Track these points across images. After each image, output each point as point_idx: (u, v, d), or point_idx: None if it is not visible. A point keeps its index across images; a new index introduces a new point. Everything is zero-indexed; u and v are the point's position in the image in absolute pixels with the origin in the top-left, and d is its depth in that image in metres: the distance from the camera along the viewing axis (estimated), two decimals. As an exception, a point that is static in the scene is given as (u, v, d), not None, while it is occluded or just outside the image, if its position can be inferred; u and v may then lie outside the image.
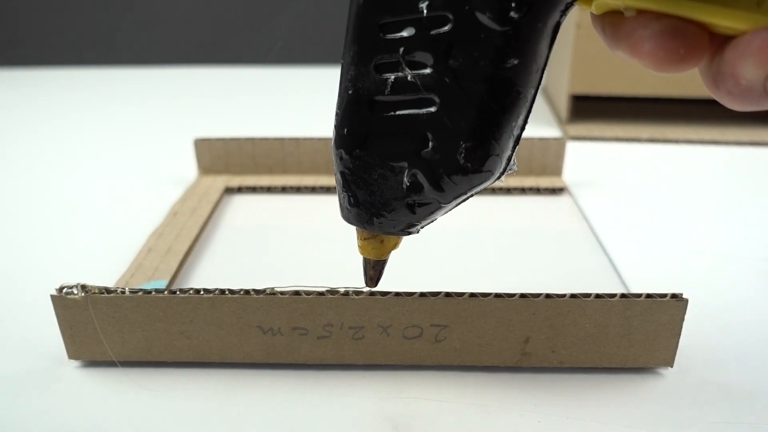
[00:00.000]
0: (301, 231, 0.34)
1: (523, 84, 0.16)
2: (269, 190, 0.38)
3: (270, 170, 0.39)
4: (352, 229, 0.35)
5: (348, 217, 0.20)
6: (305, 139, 0.38)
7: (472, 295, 0.21)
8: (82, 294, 0.21)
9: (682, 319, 0.21)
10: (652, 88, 0.49)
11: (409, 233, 0.20)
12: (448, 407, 0.21)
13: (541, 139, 0.38)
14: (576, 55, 0.48)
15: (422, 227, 0.20)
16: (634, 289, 0.27)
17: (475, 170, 0.17)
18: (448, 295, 0.21)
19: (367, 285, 0.22)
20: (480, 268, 0.30)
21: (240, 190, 0.38)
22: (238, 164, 0.39)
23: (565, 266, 0.30)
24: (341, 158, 0.19)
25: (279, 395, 0.22)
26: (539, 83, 0.17)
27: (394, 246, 0.22)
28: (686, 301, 0.21)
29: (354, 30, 0.17)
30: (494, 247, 0.32)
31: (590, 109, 0.54)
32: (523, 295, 0.21)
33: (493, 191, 0.37)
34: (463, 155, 0.17)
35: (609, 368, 0.23)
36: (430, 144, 0.17)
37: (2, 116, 0.57)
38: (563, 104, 0.51)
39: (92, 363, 0.23)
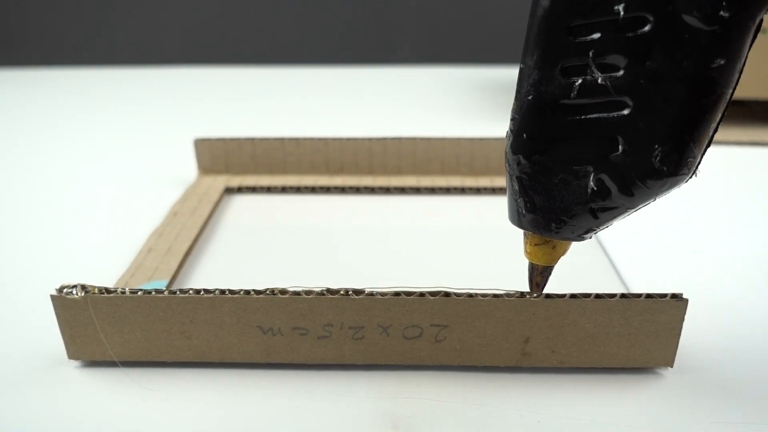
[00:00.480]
0: (301, 231, 0.34)
1: (726, 84, 0.16)
2: (269, 190, 0.38)
3: (270, 170, 0.39)
4: (352, 229, 0.35)
5: (521, 223, 0.20)
6: (305, 139, 0.38)
7: (472, 295, 0.21)
8: (82, 294, 0.21)
9: (682, 319, 0.21)
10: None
11: (583, 239, 0.20)
12: (448, 407, 0.21)
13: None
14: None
15: (597, 232, 0.20)
16: (634, 289, 0.27)
17: (671, 173, 0.17)
18: (447, 295, 0.21)
19: (533, 291, 0.22)
20: (480, 268, 0.30)
21: (240, 190, 0.38)
22: (238, 164, 0.39)
23: (565, 266, 0.30)
24: (519, 163, 0.19)
25: (279, 395, 0.22)
26: (737, 82, 0.16)
27: (564, 252, 0.21)
28: (686, 301, 0.21)
29: (539, 33, 0.17)
30: (494, 247, 0.32)
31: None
32: (522, 295, 0.21)
33: (494, 191, 0.37)
34: (658, 158, 0.16)
35: (609, 368, 0.23)
36: (620, 147, 0.17)
37: (2, 116, 0.57)
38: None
39: (92, 363, 0.23)
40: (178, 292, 0.21)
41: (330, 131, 0.41)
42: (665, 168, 0.16)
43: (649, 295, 0.21)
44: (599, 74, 0.16)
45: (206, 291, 0.21)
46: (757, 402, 0.21)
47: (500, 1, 0.98)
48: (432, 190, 0.38)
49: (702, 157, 0.17)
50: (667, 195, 0.18)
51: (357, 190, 0.38)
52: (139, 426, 0.21)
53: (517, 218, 0.20)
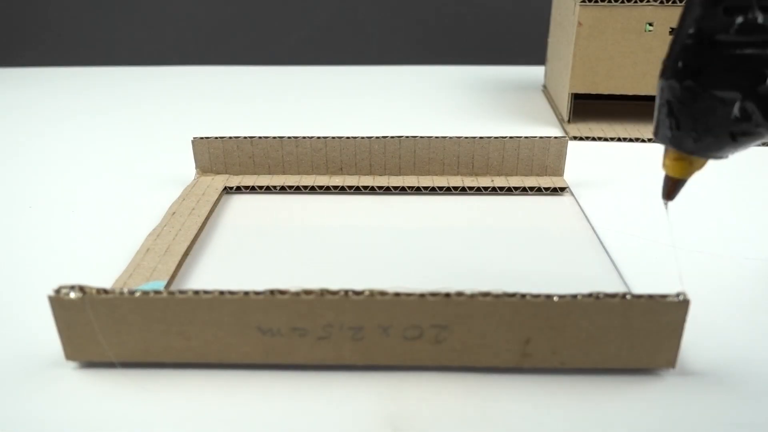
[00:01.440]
0: (301, 231, 0.34)
1: None
2: (268, 189, 0.38)
3: (269, 170, 0.39)
4: (351, 229, 0.35)
5: (665, 139, 0.23)
6: (304, 139, 0.38)
7: (473, 295, 0.21)
8: (80, 295, 0.21)
9: (684, 320, 0.21)
10: (654, 87, 0.48)
11: (719, 158, 0.23)
12: (448, 408, 0.21)
13: (543, 139, 0.37)
14: (577, 54, 0.48)
15: (733, 153, 0.23)
16: (636, 290, 0.27)
17: None
18: (448, 295, 0.21)
19: (665, 199, 0.26)
20: (480, 268, 0.30)
21: (239, 189, 0.38)
22: (236, 164, 0.39)
23: (566, 266, 0.30)
24: (671, 87, 0.22)
25: (278, 396, 0.22)
26: None
27: (700, 167, 0.24)
28: (688, 301, 0.21)
29: None
30: (495, 247, 0.32)
31: (592, 108, 0.54)
32: (523, 296, 0.21)
33: (494, 190, 0.37)
34: None
35: (610, 369, 0.23)
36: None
37: (0, 116, 0.56)
38: (564, 104, 0.51)
39: (90, 364, 0.23)
40: (176, 293, 0.21)
41: (329, 131, 0.41)
42: None
43: (650, 296, 0.21)
44: (760, 15, 0.19)
45: (205, 292, 0.21)
46: (759, 403, 0.21)
47: (500, 1, 0.98)
48: (432, 190, 0.37)
49: None
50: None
51: (357, 190, 0.38)
52: (138, 427, 0.20)
53: (661, 135, 0.23)
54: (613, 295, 0.21)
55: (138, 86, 0.67)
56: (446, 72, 0.72)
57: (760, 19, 0.19)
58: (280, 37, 1.03)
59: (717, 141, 0.22)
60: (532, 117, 0.55)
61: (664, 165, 0.25)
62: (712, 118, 0.21)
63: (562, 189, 0.37)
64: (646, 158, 0.45)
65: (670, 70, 0.22)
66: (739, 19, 0.19)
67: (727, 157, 0.23)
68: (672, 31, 0.47)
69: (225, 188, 0.37)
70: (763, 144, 0.47)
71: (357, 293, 0.21)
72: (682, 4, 0.45)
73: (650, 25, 0.47)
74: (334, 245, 0.32)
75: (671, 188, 0.25)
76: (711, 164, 0.46)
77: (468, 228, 0.34)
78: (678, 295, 0.21)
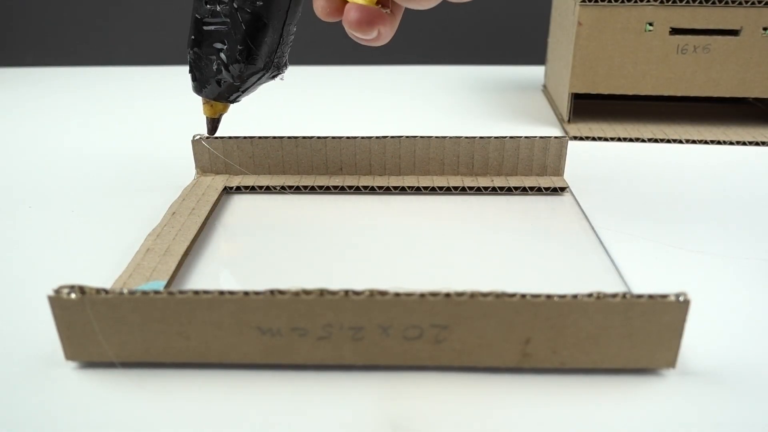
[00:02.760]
0: (301, 231, 0.34)
1: (268, 17, 0.30)
2: (268, 189, 0.38)
3: (269, 170, 0.39)
4: (351, 229, 0.35)
5: (193, 89, 0.34)
6: (304, 139, 0.38)
7: (473, 295, 0.21)
8: (80, 295, 0.21)
9: (684, 320, 0.21)
10: (654, 87, 0.48)
11: (228, 101, 0.34)
12: (448, 408, 0.21)
13: (542, 138, 0.37)
14: (577, 53, 0.48)
15: (233, 99, 0.34)
16: (636, 290, 0.27)
17: (246, 62, 0.31)
18: (448, 295, 0.21)
19: (208, 135, 0.37)
20: (480, 268, 0.30)
21: (239, 189, 0.38)
22: (237, 163, 0.39)
23: (566, 266, 0.30)
24: (189, 53, 0.32)
25: (278, 396, 0.22)
26: (288, 16, 0.31)
27: (222, 110, 0.35)
28: (689, 301, 0.21)
29: None
30: (495, 247, 0.32)
31: (591, 108, 0.54)
32: (523, 296, 0.21)
33: (494, 190, 0.37)
34: (238, 53, 0.31)
35: (610, 369, 0.23)
36: (225, 47, 0.31)
37: (0, 116, 0.56)
38: (564, 103, 0.51)
39: (90, 364, 0.23)
40: (176, 293, 0.21)
41: (329, 131, 0.41)
42: (241, 59, 0.31)
43: (651, 296, 0.21)
44: (218, 6, 0.30)
45: (205, 292, 0.21)
46: (759, 403, 0.21)
47: (500, 1, 0.98)
48: (432, 190, 0.37)
49: (274, 59, 0.32)
50: (264, 83, 0.33)
51: (356, 190, 0.38)
52: (138, 427, 0.20)
53: (193, 87, 0.34)
54: (613, 295, 0.21)
55: (138, 86, 0.67)
56: (446, 72, 0.72)
57: (218, 7, 0.30)
58: (280, 37, 1.03)
59: (213, 87, 0.33)
60: (532, 117, 0.55)
61: (202, 110, 0.35)
62: (206, 72, 0.32)
63: (562, 189, 0.37)
64: (646, 158, 0.45)
65: (188, 41, 0.32)
66: (210, 8, 0.31)
67: (232, 101, 0.34)
68: (672, 31, 0.47)
69: (225, 188, 0.37)
70: (762, 144, 0.47)
71: (357, 293, 0.21)
72: (683, 3, 0.45)
73: (650, 25, 0.47)
74: (333, 245, 0.32)
75: (209, 126, 0.36)
76: (713, 164, 0.47)
77: (468, 228, 0.34)
78: (678, 295, 0.21)
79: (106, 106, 0.59)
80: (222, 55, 0.31)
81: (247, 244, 0.33)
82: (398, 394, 0.22)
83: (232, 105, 0.35)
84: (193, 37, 0.32)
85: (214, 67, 0.32)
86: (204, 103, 0.35)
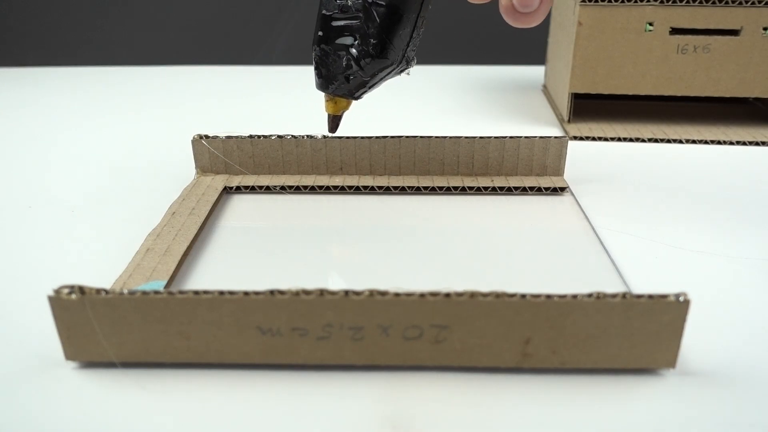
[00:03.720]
0: (301, 231, 0.34)
1: (405, 10, 0.30)
2: (268, 189, 0.38)
3: (269, 170, 0.39)
4: (351, 229, 0.35)
5: (317, 86, 0.34)
6: (305, 138, 0.38)
7: (473, 295, 0.21)
8: (80, 295, 0.21)
9: (685, 320, 0.21)
10: (654, 87, 0.48)
11: (354, 98, 0.34)
12: (448, 408, 0.21)
13: (542, 138, 0.37)
14: (577, 53, 0.48)
15: (359, 95, 0.34)
16: (636, 290, 0.27)
17: (378, 56, 0.31)
18: (448, 295, 0.21)
19: (330, 133, 0.36)
20: (480, 268, 0.30)
21: (239, 189, 0.38)
22: (236, 163, 0.39)
23: (566, 266, 0.30)
24: (315, 50, 0.33)
25: (278, 396, 0.22)
26: (422, 9, 0.31)
27: (345, 107, 0.35)
28: (689, 301, 0.21)
29: None
30: (495, 247, 0.32)
31: (591, 108, 0.54)
32: (523, 296, 0.21)
33: (494, 190, 0.37)
34: (371, 47, 0.31)
35: (610, 369, 0.23)
36: (357, 42, 0.31)
37: (0, 116, 0.56)
38: (564, 103, 0.51)
39: (90, 364, 0.23)
40: (176, 293, 0.21)
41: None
42: (375, 53, 0.31)
43: (651, 296, 0.21)
44: (349, 0, 0.31)
45: (205, 292, 0.21)
46: (759, 403, 0.21)
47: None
48: (432, 190, 0.37)
49: (406, 52, 0.32)
50: (391, 77, 0.33)
51: (357, 190, 0.38)
52: (138, 426, 0.20)
53: (315, 84, 0.34)
54: (613, 295, 0.21)
55: (138, 86, 0.67)
56: (446, 72, 0.72)
57: (349, 2, 0.30)
58: (279, 37, 1.03)
59: (340, 83, 0.33)
60: (532, 117, 0.55)
61: (324, 107, 0.35)
62: (334, 68, 0.32)
63: (562, 189, 0.37)
64: (646, 158, 0.45)
65: (314, 38, 0.32)
66: (340, 3, 0.31)
67: (356, 98, 0.34)
68: (672, 31, 0.47)
69: (225, 188, 0.37)
70: (762, 144, 0.47)
71: (357, 293, 0.21)
72: (683, 3, 0.45)
73: (650, 25, 0.47)
74: (333, 245, 0.32)
75: (331, 124, 0.36)
76: (713, 164, 0.47)
77: (468, 228, 0.34)
78: (678, 295, 0.21)
79: (106, 106, 0.59)
80: (352, 50, 0.31)
81: (247, 244, 0.33)
82: (398, 394, 0.22)
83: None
84: (320, 33, 0.32)
85: (344, 63, 0.31)
86: (327, 101, 0.35)
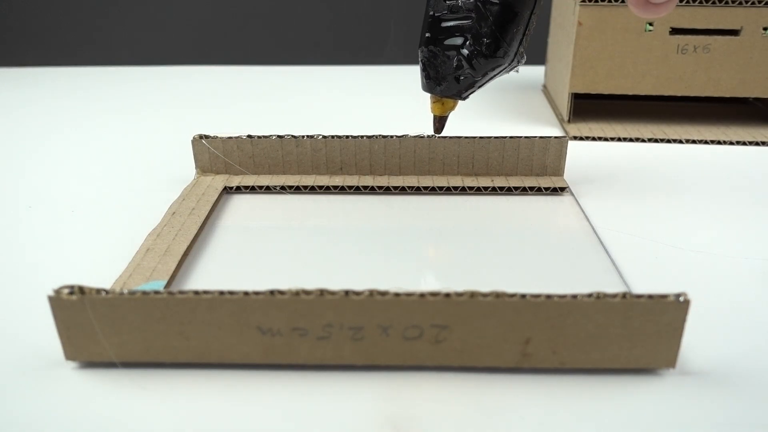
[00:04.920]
0: (301, 231, 0.34)
1: (520, 8, 0.30)
2: (268, 189, 0.38)
3: (269, 170, 0.39)
4: (351, 229, 0.35)
5: (423, 87, 0.34)
6: (305, 138, 0.38)
7: (473, 295, 0.21)
8: (80, 295, 0.21)
9: (684, 320, 0.21)
10: (654, 87, 0.48)
11: (461, 98, 0.34)
12: (448, 408, 0.21)
13: (542, 138, 0.37)
14: (577, 53, 0.48)
15: (466, 96, 0.33)
16: (636, 290, 0.27)
17: (491, 56, 0.31)
18: (448, 295, 0.21)
19: (435, 134, 0.37)
20: (480, 268, 0.30)
21: (239, 189, 0.38)
22: (237, 163, 0.39)
23: (566, 266, 0.30)
24: (422, 51, 0.33)
25: (278, 396, 0.22)
26: (535, 7, 0.31)
27: (452, 107, 0.35)
28: (688, 301, 0.21)
29: None
30: (495, 247, 0.32)
31: (591, 108, 0.54)
32: (523, 296, 0.21)
33: (494, 190, 0.37)
34: (484, 47, 0.31)
35: (610, 369, 0.23)
36: (468, 41, 0.31)
37: (0, 116, 0.56)
38: (564, 103, 0.51)
39: (90, 364, 0.23)
40: (176, 293, 0.21)
41: (330, 130, 0.41)
42: (488, 52, 0.31)
43: (651, 296, 0.21)
44: (459, 0, 0.31)
45: (205, 292, 0.21)
46: (759, 403, 0.21)
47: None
48: (432, 190, 0.37)
49: (518, 50, 0.32)
50: (501, 76, 0.33)
51: (357, 190, 0.38)
52: (138, 426, 0.20)
53: (422, 86, 0.34)
54: (613, 295, 0.21)
55: (138, 86, 0.67)
56: (446, 72, 0.72)
57: (459, 2, 0.31)
58: (280, 37, 1.03)
59: (450, 84, 0.33)
60: (532, 117, 0.54)
61: (430, 108, 0.35)
62: (443, 69, 0.32)
63: (562, 189, 0.37)
64: (646, 158, 0.45)
65: (421, 40, 0.32)
66: (449, 3, 0.31)
67: (464, 98, 0.34)
68: (672, 31, 0.47)
69: (225, 188, 0.37)
70: (762, 143, 0.47)
71: (357, 293, 0.21)
72: (683, 3, 0.45)
73: (650, 25, 0.47)
74: (334, 245, 0.32)
75: (437, 125, 0.36)
76: (713, 164, 0.47)
77: (468, 228, 0.34)
78: (678, 295, 0.21)
79: (107, 106, 0.59)
80: (464, 50, 0.31)
81: (247, 244, 0.33)
82: (398, 394, 0.22)
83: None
84: (428, 34, 0.32)
85: (454, 63, 0.31)
86: (434, 101, 0.35)
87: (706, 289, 0.28)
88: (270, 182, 0.38)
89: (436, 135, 0.37)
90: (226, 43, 1.04)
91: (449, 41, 0.31)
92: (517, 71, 0.33)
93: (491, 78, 0.32)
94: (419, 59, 0.33)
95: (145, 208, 0.36)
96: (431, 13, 0.31)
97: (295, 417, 0.21)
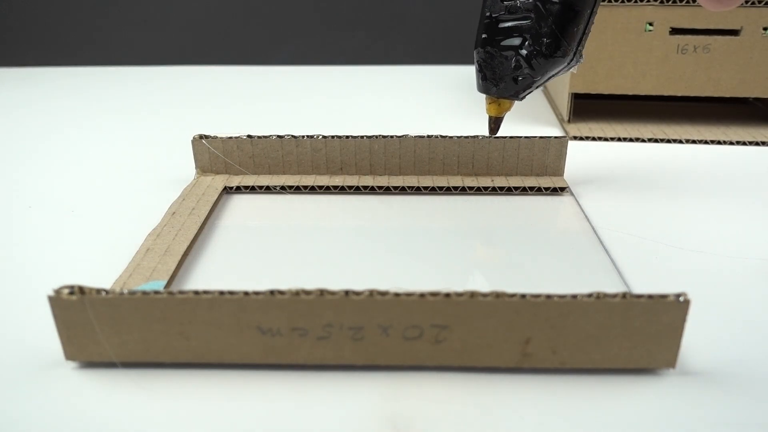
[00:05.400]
0: (301, 231, 0.34)
1: (581, 7, 0.30)
2: (268, 189, 0.38)
3: (269, 169, 0.39)
4: (351, 229, 0.35)
5: (479, 88, 0.34)
6: (305, 138, 0.38)
7: (473, 295, 0.21)
8: (80, 295, 0.21)
9: (684, 320, 0.21)
10: (654, 87, 0.48)
11: (517, 99, 0.34)
12: (448, 408, 0.21)
13: (542, 138, 0.37)
14: (577, 54, 0.48)
15: (523, 96, 0.33)
16: (636, 290, 0.27)
17: (551, 55, 0.31)
18: (448, 295, 0.21)
19: (490, 135, 0.37)
20: (480, 268, 0.30)
21: (239, 189, 0.38)
22: (236, 163, 0.39)
23: (566, 266, 0.30)
24: (479, 52, 0.33)
25: (278, 396, 0.22)
26: (595, 6, 0.31)
27: (508, 108, 0.35)
28: (688, 301, 0.21)
29: None
30: (495, 247, 0.32)
31: (592, 108, 0.54)
32: (523, 296, 0.21)
33: (494, 190, 0.37)
34: (544, 47, 0.30)
35: (610, 369, 0.23)
36: (527, 42, 0.31)
37: (0, 116, 0.56)
38: (564, 103, 0.51)
39: (90, 364, 0.23)
40: (176, 293, 0.21)
41: (330, 130, 0.41)
42: (548, 52, 0.31)
43: (651, 296, 0.21)
44: (518, 1, 0.31)
45: (205, 292, 0.21)
46: (759, 403, 0.21)
47: (500, 1, 0.98)
48: (432, 190, 0.37)
49: (577, 49, 0.31)
50: (559, 76, 0.33)
51: (357, 190, 0.38)
52: (138, 426, 0.20)
53: (477, 87, 0.34)
54: (613, 295, 0.21)
55: (138, 86, 0.67)
56: (446, 72, 0.72)
57: (518, 2, 0.30)
58: (280, 37, 1.03)
59: (507, 85, 0.33)
60: (532, 117, 0.55)
61: (486, 109, 0.35)
62: (500, 69, 0.32)
63: (562, 189, 0.37)
64: (646, 158, 0.45)
65: (477, 41, 0.32)
66: (507, 4, 0.31)
67: (521, 98, 0.33)
68: (672, 31, 0.47)
69: (225, 188, 0.37)
70: (762, 143, 0.47)
71: (357, 293, 0.21)
72: (683, 3, 0.45)
73: (650, 25, 0.47)
74: (334, 245, 0.32)
75: (492, 126, 0.36)
76: (713, 164, 0.47)
77: (468, 228, 0.34)
78: (678, 295, 0.21)
79: (107, 106, 0.59)
80: (522, 51, 0.31)
81: (247, 244, 0.33)
82: (398, 394, 0.22)
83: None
84: (484, 36, 0.32)
85: (512, 64, 0.31)
86: (490, 103, 0.35)
87: (706, 289, 0.28)
88: (270, 182, 0.38)
89: (492, 136, 0.37)
90: (226, 43, 1.04)
91: (507, 42, 0.31)
92: (574, 71, 0.33)
93: (549, 78, 0.32)
94: (475, 60, 0.33)
95: (145, 208, 0.36)
96: (488, 14, 0.31)
97: (295, 417, 0.21)
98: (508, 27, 0.31)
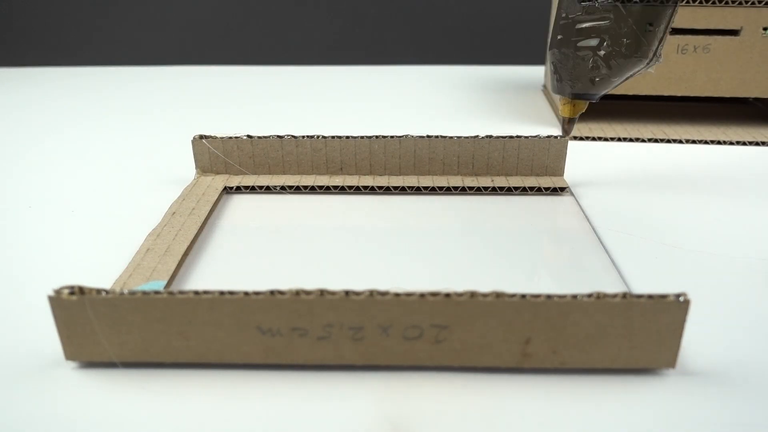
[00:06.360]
0: (301, 231, 0.34)
1: (661, 6, 0.31)
2: (268, 189, 0.38)
3: (269, 170, 0.39)
4: (351, 229, 0.35)
5: (554, 89, 0.35)
6: (305, 138, 0.38)
7: (473, 295, 0.21)
8: (80, 295, 0.21)
9: (684, 320, 0.21)
10: (654, 87, 0.48)
11: (591, 99, 0.34)
12: (448, 408, 0.21)
13: (542, 139, 0.37)
14: (577, 54, 0.48)
15: (599, 97, 0.34)
16: (636, 290, 0.27)
17: (631, 56, 0.31)
18: (448, 295, 0.21)
19: (564, 135, 0.36)
20: (480, 268, 0.30)
21: (239, 189, 0.38)
22: (237, 163, 0.39)
23: (566, 266, 0.30)
24: (554, 54, 0.33)
25: (278, 396, 0.22)
26: (670, 18, 0.32)
27: (582, 109, 0.36)
28: (688, 301, 0.21)
29: None
30: (495, 247, 0.32)
31: (592, 108, 0.54)
32: (523, 296, 0.21)
33: (494, 190, 0.37)
34: (624, 47, 0.31)
35: (610, 369, 0.23)
36: (605, 42, 0.31)
37: (0, 116, 0.56)
38: (564, 103, 0.51)
39: (90, 364, 0.23)
40: (176, 293, 0.21)
41: (330, 130, 0.41)
42: (628, 52, 0.31)
43: (651, 296, 0.21)
44: (596, 2, 0.31)
45: (205, 292, 0.21)
46: (759, 403, 0.21)
47: (500, 1, 0.98)
48: (432, 190, 0.37)
49: (658, 49, 0.32)
50: (636, 76, 0.33)
51: (357, 190, 0.38)
52: (138, 427, 0.20)
53: (552, 87, 0.35)
54: (613, 295, 0.21)
55: (138, 86, 0.67)
56: (446, 72, 0.72)
57: (596, 3, 0.31)
58: (280, 37, 1.03)
59: (582, 85, 0.33)
60: (532, 117, 0.55)
61: (559, 109, 0.36)
62: (577, 70, 0.32)
63: (562, 189, 0.37)
64: (646, 158, 0.45)
65: (553, 42, 0.33)
66: (585, 4, 0.31)
67: (596, 99, 0.34)
68: (672, 30, 0.47)
69: (225, 188, 0.37)
70: (762, 143, 0.47)
71: (357, 293, 0.21)
72: (683, 3, 0.45)
73: (650, 25, 0.47)
74: (334, 245, 0.32)
75: (566, 126, 0.37)
76: (713, 164, 0.47)
77: (468, 228, 0.34)
78: (678, 295, 0.21)
79: (107, 106, 0.59)
80: (600, 52, 0.31)
81: (247, 244, 0.33)
82: (398, 394, 0.22)
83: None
84: (560, 37, 0.32)
85: (590, 65, 0.31)
86: (564, 104, 0.35)
87: (706, 289, 0.28)
88: (270, 182, 0.38)
89: (566, 136, 0.36)
90: (226, 43, 1.04)
91: (584, 43, 0.31)
92: (652, 71, 0.33)
93: (626, 78, 0.32)
94: (550, 61, 0.33)
95: (145, 208, 0.36)
96: (564, 15, 0.31)
97: (295, 417, 0.21)
98: (586, 28, 0.31)
